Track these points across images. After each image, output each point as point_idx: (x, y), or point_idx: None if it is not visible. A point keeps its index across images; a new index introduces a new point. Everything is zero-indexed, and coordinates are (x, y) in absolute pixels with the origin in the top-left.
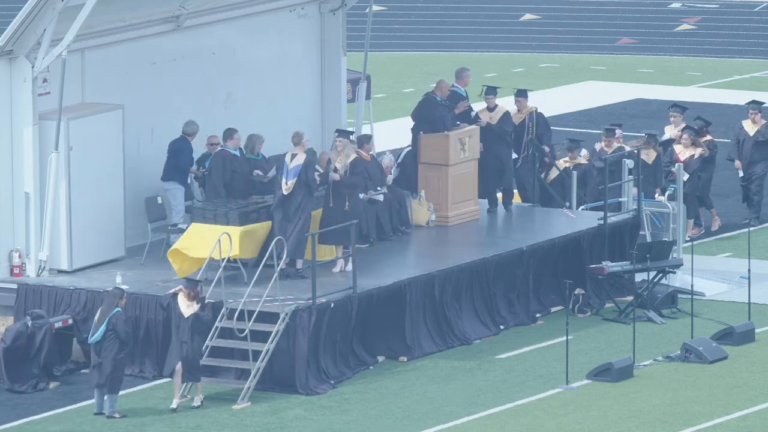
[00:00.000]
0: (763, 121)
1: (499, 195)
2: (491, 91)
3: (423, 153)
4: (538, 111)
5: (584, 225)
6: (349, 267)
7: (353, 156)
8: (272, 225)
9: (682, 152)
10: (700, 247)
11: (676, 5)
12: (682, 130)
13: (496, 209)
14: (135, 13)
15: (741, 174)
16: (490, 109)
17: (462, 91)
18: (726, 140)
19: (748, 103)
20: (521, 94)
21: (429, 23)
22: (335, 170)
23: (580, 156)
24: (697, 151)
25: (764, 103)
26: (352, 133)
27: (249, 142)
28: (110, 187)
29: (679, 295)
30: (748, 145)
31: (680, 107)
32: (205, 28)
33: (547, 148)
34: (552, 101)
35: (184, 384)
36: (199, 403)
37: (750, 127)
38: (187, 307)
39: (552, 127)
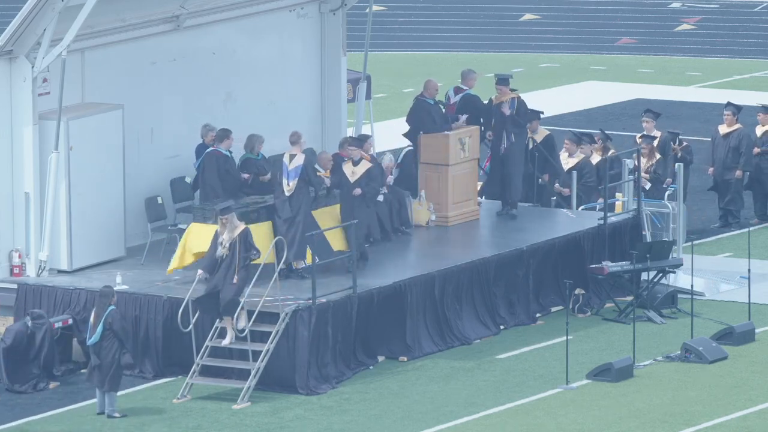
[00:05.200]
0: (738, 125)
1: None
2: (503, 81)
3: (423, 153)
4: (520, 98)
5: (584, 225)
6: (230, 339)
7: (241, 227)
8: (273, 227)
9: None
10: (700, 247)
11: (676, 5)
12: (642, 136)
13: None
14: (135, 13)
15: (713, 180)
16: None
17: (470, 92)
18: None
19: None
20: (502, 81)
21: (429, 23)
22: (221, 244)
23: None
24: (654, 160)
25: (741, 106)
26: (230, 204)
27: (249, 142)
28: (110, 187)
29: (679, 295)
30: (721, 150)
31: (653, 112)
32: (204, 28)
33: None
34: (552, 101)
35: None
36: None
37: (723, 130)
38: None
39: (552, 127)
